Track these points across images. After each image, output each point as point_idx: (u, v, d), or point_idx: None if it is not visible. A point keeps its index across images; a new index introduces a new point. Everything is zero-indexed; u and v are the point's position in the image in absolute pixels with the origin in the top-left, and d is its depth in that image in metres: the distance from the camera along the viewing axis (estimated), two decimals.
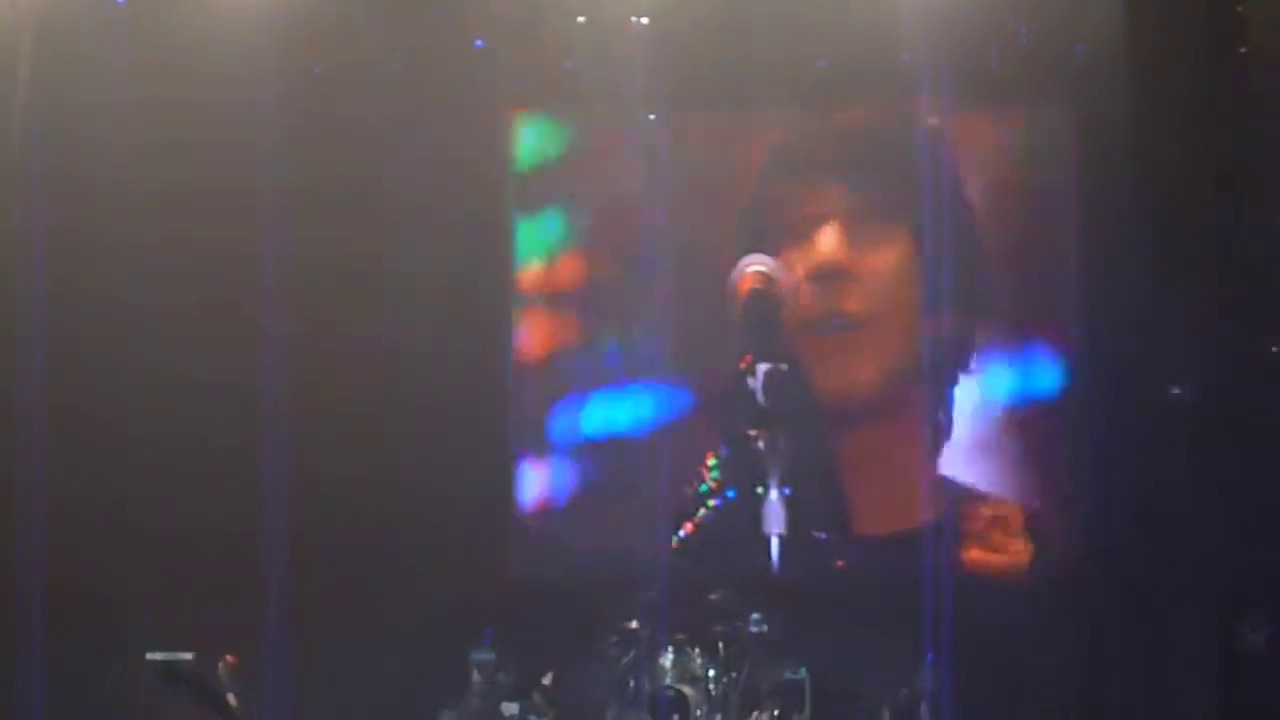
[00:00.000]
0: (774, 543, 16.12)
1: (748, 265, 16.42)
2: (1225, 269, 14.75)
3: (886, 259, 16.21)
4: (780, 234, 16.45)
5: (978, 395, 16.14)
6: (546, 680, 15.04)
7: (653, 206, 16.10)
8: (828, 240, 16.30)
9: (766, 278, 16.36)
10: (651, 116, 16.08)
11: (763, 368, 16.26)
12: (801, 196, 16.39)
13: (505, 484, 16.59)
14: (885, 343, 16.24)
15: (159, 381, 15.33)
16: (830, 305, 16.29)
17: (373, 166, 15.72)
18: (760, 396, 16.25)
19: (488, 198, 16.55)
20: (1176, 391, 15.08)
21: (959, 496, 16.08)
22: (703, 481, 16.46)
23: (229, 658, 14.53)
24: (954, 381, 16.11)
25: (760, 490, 16.25)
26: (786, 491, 16.15)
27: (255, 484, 15.32)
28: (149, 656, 14.82)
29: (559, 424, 16.65)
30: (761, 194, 16.51)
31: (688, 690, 15.23)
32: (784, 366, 16.28)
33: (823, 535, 15.76)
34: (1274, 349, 14.86)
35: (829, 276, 16.26)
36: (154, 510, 15.32)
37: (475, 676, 15.74)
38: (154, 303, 15.29)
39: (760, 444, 16.26)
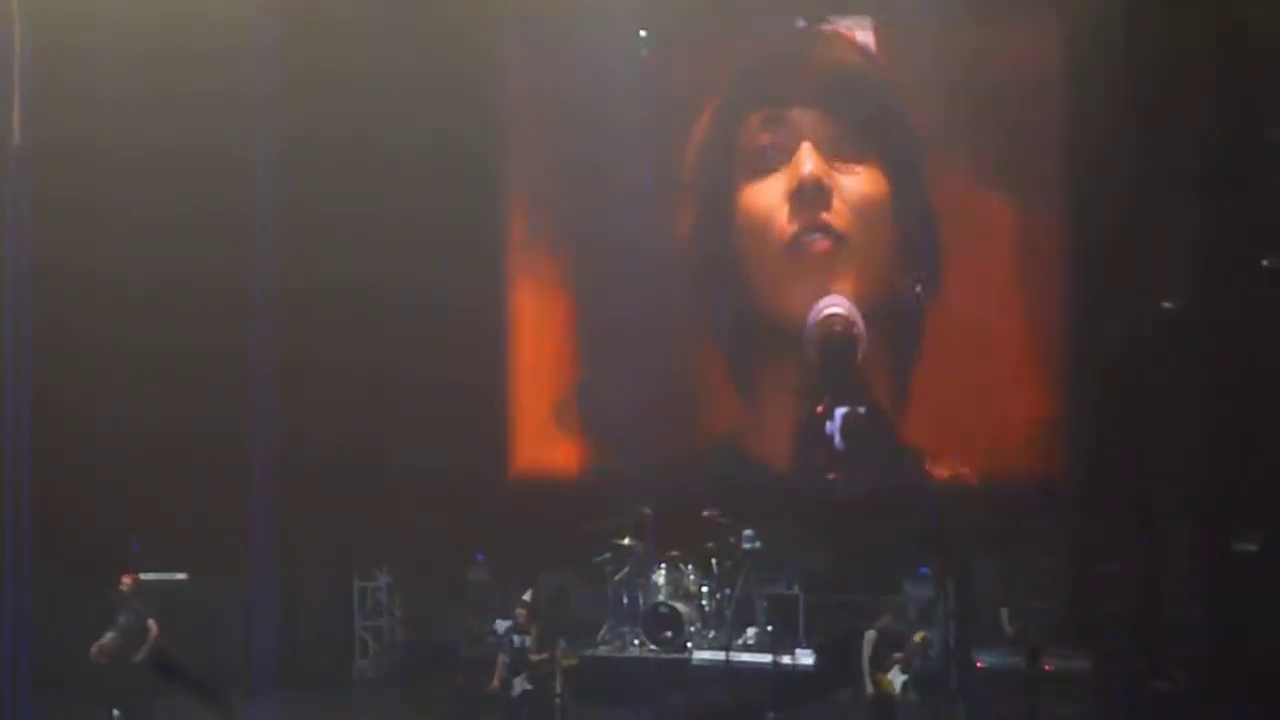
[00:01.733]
0: None
1: (825, 308, 15.99)
2: (1218, 183, 14.84)
3: None
4: None
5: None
6: (527, 596, 14.98)
7: None
8: None
9: (844, 320, 15.99)
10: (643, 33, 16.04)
11: (840, 411, 16.05)
12: None
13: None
14: None
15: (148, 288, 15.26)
16: None
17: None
18: (838, 440, 16.06)
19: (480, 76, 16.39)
20: (1167, 306, 15.19)
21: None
22: None
23: (126, 578, 14.31)
24: None
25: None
26: None
27: (244, 384, 15.31)
28: (142, 577, 14.80)
29: None
30: None
31: (681, 606, 15.27)
32: (862, 410, 15.98)
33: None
34: (1264, 263, 14.90)
35: None
36: (142, 417, 15.21)
37: (468, 596, 15.80)
38: (142, 210, 15.16)
39: (838, 487, 16.02)
